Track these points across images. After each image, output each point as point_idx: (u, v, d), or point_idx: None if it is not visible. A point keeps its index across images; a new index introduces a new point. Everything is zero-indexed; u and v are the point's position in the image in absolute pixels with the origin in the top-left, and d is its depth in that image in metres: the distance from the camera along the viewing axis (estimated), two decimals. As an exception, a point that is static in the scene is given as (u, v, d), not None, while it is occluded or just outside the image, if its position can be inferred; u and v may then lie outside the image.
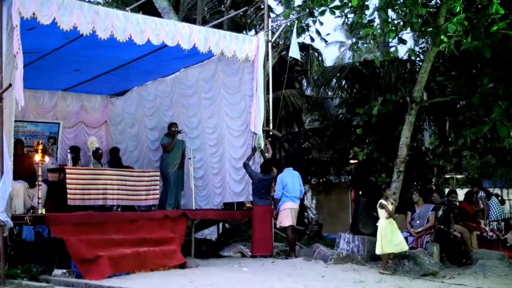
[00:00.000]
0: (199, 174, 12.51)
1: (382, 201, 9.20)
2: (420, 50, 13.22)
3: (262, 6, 14.29)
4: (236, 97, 11.84)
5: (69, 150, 11.94)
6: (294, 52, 11.69)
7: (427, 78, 11.41)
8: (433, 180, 13.46)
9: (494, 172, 13.04)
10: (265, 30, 11.77)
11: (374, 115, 11.90)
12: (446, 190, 14.23)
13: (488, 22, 9.69)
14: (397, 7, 10.48)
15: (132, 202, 11.29)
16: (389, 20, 10.68)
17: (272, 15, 16.95)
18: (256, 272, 8.94)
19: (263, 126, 11.29)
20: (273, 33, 12.19)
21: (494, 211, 12.11)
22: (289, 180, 10.78)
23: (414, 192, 10.93)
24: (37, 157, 9.08)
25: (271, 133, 11.76)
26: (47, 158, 10.07)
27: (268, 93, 11.60)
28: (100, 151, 12.25)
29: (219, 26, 13.14)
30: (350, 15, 11.37)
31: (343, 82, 15.73)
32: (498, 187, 18.92)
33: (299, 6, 12.72)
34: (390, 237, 8.95)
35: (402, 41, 11.27)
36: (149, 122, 13.72)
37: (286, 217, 10.65)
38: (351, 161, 14.92)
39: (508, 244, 12.30)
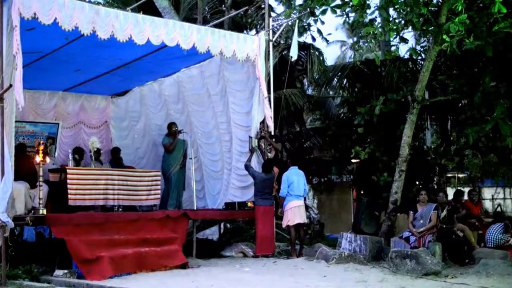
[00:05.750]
0: (217, 168, 12.68)
1: None
2: (422, 49, 13.17)
3: (263, 6, 14.26)
4: (243, 93, 11.84)
5: (70, 151, 11.92)
6: (293, 51, 11.67)
7: (429, 77, 11.37)
8: (435, 179, 13.42)
9: (496, 171, 12.99)
10: (266, 29, 11.75)
11: (375, 115, 11.87)
12: (448, 189, 14.21)
13: (490, 22, 9.64)
14: (398, 6, 10.44)
15: (133, 202, 11.30)
16: (390, 19, 10.64)
17: (273, 14, 16.95)
18: (258, 272, 8.93)
19: (264, 132, 11.30)
20: (274, 33, 12.16)
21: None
22: (295, 179, 10.80)
23: (421, 191, 10.88)
24: (38, 158, 9.06)
25: (273, 140, 11.74)
26: (47, 159, 10.06)
27: (269, 93, 11.58)
28: (101, 151, 12.25)
29: (219, 26, 13.12)
30: (351, 14, 11.34)
31: (345, 81, 15.71)
32: (501, 186, 18.93)
33: (300, 5, 12.69)
34: None
35: (404, 40, 11.23)
36: (156, 119, 13.75)
37: (294, 216, 10.67)
38: (353, 161, 14.89)
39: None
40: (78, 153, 12.16)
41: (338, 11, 11.09)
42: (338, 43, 36.44)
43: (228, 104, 12.14)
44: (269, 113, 11.35)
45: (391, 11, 10.71)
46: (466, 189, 14.21)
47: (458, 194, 12.28)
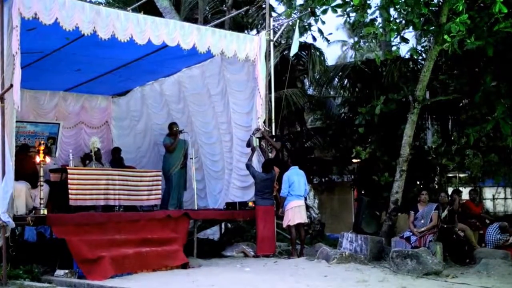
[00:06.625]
0: (217, 168, 12.71)
1: None
2: (422, 49, 13.19)
3: (264, 6, 14.27)
4: (244, 93, 11.83)
5: (71, 151, 11.90)
6: (294, 50, 11.67)
7: (430, 77, 11.38)
8: (436, 179, 13.43)
9: (497, 170, 12.98)
10: (267, 29, 11.75)
11: (376, 114, 11.87)
12: (449, 189, 14.20)
13: (491, 22, 9.64)
14: (398, 6, 10.44)
15: (134, 202, 11.31)
16: (391, 19, 10.64)
17: (273, 14, 16.95)
18: (258, 272, 8.92)
19: (266, 132, 11.31)
20: (274, 33, 12.16)
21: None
22: (296, 179, 10.79)
23: (422, 191, 10.88)
24: (39, 158, 9.06)
25: (274, 139, 11.74)
26: (47, 159, 10.05)
27: (270, 93, 11.58)
28: (100, 151, 12.25)
29: (220, 26, 13.13)
30: (352, 14, 11.34)
31: (345, 81, 15.74)
32: (501, 186, 18.93)
33: (301, 5, 12.69)
34: None
35: (404, 40, 11.24)
36: (157, 119, 13.76)
37: (295, 215, 10.66)
38: (354, 160, 14.90)
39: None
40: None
41: (339, 11, 11.09)
42: (339, 43, 36.43)
43: (228, 104, 12.15)
44: (261, 113, 11.32)
45: (392, 11, 10.70)
46: (467, 189, 14.23)
47: (454, 192, 12.27)
